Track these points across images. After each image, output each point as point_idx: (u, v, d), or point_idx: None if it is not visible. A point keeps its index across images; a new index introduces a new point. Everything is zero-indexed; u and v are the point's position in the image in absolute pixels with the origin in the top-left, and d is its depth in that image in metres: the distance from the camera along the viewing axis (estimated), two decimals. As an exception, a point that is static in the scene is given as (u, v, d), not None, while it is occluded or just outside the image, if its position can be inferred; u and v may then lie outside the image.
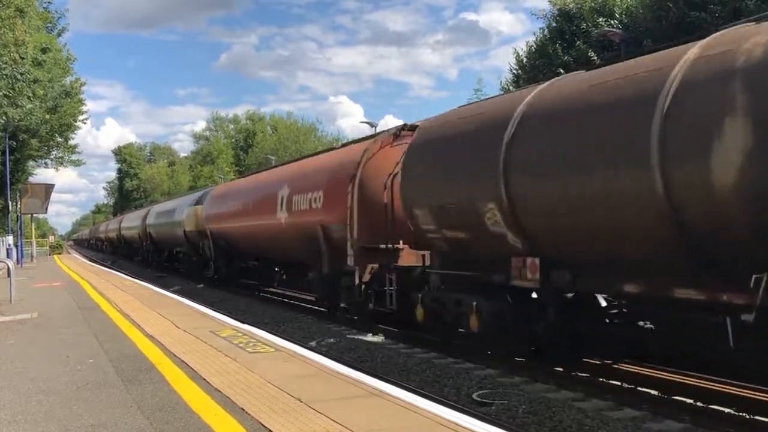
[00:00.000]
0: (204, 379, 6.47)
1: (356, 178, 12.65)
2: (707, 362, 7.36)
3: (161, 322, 10.88)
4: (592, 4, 28.34)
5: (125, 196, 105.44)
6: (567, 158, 7.33)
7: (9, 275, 16.09)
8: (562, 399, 7.75)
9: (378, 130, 32.10)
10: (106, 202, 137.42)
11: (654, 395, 7.78)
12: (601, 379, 8.53)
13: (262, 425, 4.91)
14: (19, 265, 33.44)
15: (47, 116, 33.63)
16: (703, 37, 6.60)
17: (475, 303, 9.11)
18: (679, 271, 6.50)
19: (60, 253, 69.67)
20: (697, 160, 5.93)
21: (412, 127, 12.34)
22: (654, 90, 6.39)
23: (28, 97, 25.64)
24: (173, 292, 18.60)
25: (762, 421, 6.70)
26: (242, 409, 5.35)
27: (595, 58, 25.60)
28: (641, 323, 7.73)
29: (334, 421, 4.93)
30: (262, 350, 8.01)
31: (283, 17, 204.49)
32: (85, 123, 43.87)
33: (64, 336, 9.82)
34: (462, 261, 9.50)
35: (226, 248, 22.44)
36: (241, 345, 8.38)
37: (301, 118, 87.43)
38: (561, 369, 9.10)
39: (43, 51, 31.47)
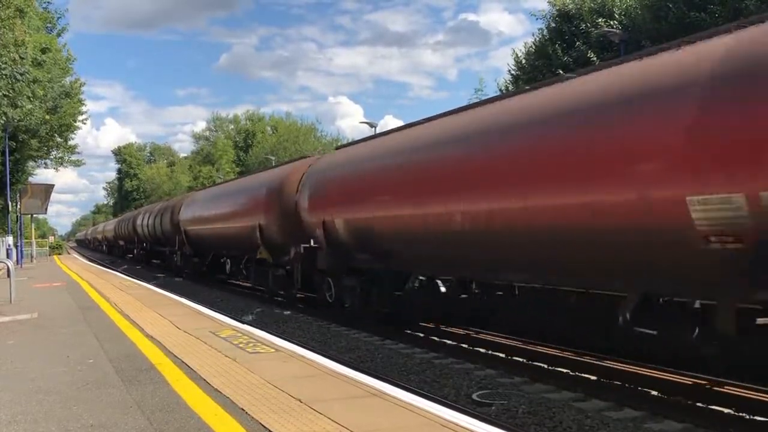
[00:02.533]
0: (204, 380, 6.47)
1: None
2: None
3: (161, 322, 10.88)
4: (592, 5, 28.37)
5: (125, 196, 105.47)
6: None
7: (9, 275, 16.09)
8: (562, 399, 7.75)
9: (378, 130, 32.15)
10: (106, 202, 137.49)
11: (654, 395, 7.78)
12: (601, 379, 8.54)
13: (262, 425, 4.91)
14: (19, 266, 33.43)
15: (47, 116, 33.61)
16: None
17: None
18: None
19: (60, 254, 69.63)
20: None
21: None
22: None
23: (28, 98, 25.62)
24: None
25: (762, 421, 6.70)
26: (242, 409, 5.35)
27: (595, 58, 25.63)
28: None
29: (333, 421, 4.93)
30: (261, 350, 8.01)
31: (283, 18, 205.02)
32: (84, 123, 43.92)
33: (64, 336, 9.82)
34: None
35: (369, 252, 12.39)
36: (240, 345, 8.38)
37: (300, 118, 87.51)
38: (562, 369, 9.11)
39: (43, 51, 31.50)
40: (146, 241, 37.87)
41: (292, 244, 15.35)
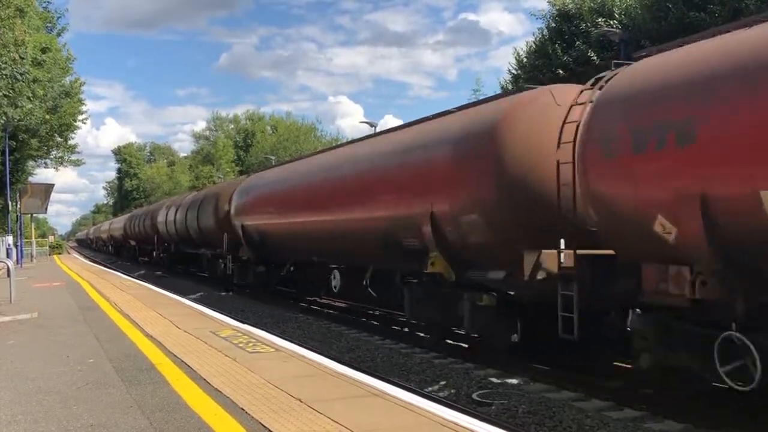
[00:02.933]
0: (204, 380, 6.47)
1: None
2: None
3: (161, 322, 10.88)
4: (591, 5, 28.36)
5: (125, 196, 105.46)
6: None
7: (9, 275, 16.08)
8: (562, 399, 7.76)
9: (378, 130, 31.99)
10: (105, 202, 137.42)
11: (654, 395, 7.78)
12: (601, 379, 8.54)
13: (262, 425, 4.91)
14: (19, 265, 33.42)
15: (47, 116, 33.58)
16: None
17: None
18: None
19: (60, 253, 69.65)
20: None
21: None
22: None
23: (28, 97, 25.60)
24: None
25: (762, 421, 6.70)
26: (242, 409, 5.35)
27: (595, 58, 25.64)
28: None
29: (334, 421, 4.93)
30: (262, 350, 8.01)
31: (283, 17, 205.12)
32: (84, 123, 43.91)
33: (64, 336, 9.81)
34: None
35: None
36: (241, 345, 8.38)
37: (300, 118, 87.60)
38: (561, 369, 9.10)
39: (43, 51, 31.46)
40: (171, 241, 31.11)
41: (525, 246, 8.17)
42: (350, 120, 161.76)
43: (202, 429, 4.92)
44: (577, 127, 7.54)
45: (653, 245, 6.46)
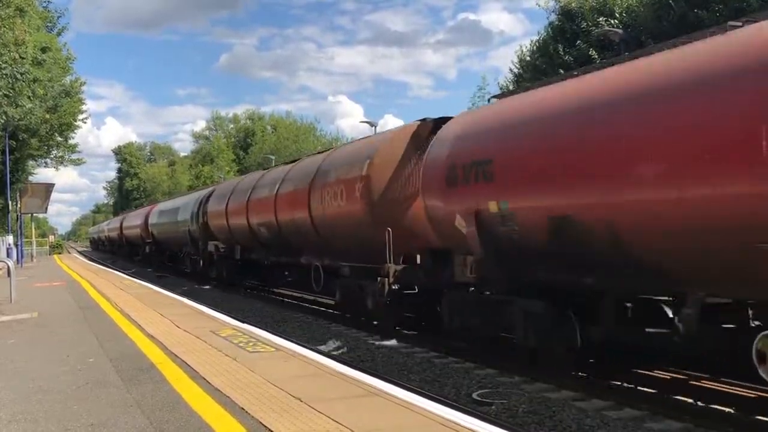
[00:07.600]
0: (204, 379, 6.46)
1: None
2: None
3: (161, 321, 10.87)
4: (593, 4, 28.34)
5: (125, 195, 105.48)
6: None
7: (9, 275, 16.07)
8: (562, 399, 7.75)
9: (378, 130, 32.07)
10: (106, 201, 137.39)
11: (654, 395, 7.77)
12: (600, 379, 8.53)
13: (262, 425, 4.90)
14: (19, 265, 33.41)
15: (47, 116, 33.58)
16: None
17: None
18: None
19: (60, 253, 69.65)
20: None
21: None
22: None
23: (28, 97, 25.56)
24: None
25: (762, 420, 6.70)
26: (242, 408, 5.35)
27: (596, 57, 25.62)
28: None
29: (334, 420, 4.92)
30: (262, 350, 8.01)
31: (283, 18, 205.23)
32: (85, 122, 43.92)
33: (64, 335, 9.82)
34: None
35: None
36: (241, 344, 8.38)
37: (300, 117, 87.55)
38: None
39: (43, 50, 31.42)
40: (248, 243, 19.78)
41: None
42: (350, 120, 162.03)
43: (202, 428, 4.92)
44: None
45: None
